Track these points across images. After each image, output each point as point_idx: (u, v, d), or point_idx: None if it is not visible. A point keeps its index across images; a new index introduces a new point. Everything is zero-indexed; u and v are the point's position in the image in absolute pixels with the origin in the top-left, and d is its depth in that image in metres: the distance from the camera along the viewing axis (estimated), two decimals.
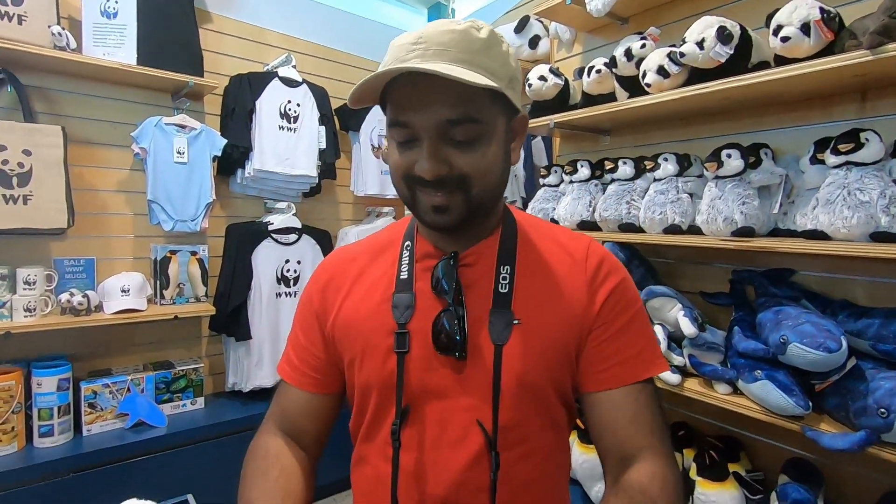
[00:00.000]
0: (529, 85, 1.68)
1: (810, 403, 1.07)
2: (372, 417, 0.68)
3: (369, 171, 2.54)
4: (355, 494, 0.73)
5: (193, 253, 2.10)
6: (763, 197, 1.29)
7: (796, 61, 1.11)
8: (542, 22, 2.02)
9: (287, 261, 2.25)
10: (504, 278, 0.65)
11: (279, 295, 2.24)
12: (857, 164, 1.08)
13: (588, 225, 1.61)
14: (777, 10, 1.13)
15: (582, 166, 1.67)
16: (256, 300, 2.17)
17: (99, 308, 1.88)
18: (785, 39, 1.09)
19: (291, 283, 2.27)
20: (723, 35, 1.20)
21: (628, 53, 1.46)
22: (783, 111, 1.37)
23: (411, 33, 0.59)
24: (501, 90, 0.58)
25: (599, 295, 0.66)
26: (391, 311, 0.66)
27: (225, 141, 2.08)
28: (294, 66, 2.26)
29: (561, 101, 1.72)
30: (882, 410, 0.93)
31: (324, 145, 2.31)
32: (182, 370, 2.08)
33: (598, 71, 1.56)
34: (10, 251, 1.79)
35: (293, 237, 2.27)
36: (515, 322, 0.63)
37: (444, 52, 0.56)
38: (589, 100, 1.64)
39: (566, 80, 1.72)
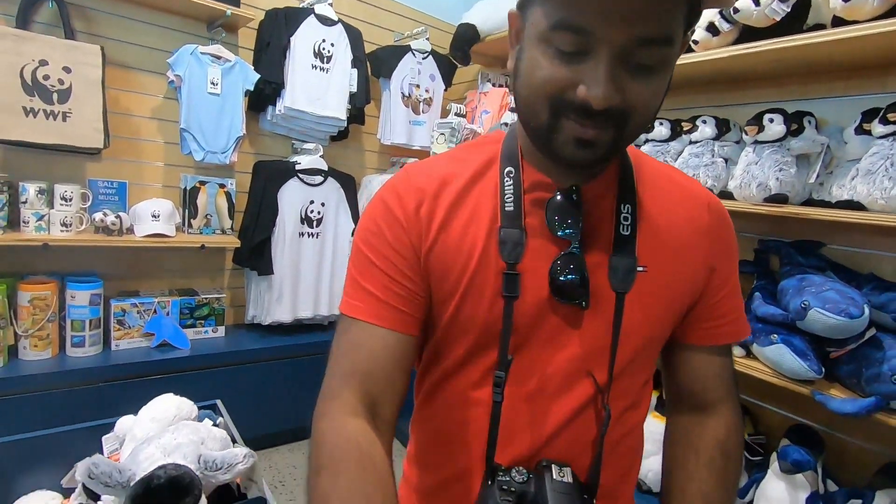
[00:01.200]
0: None
1: (823, 369, 1.09)
2: (458, 364, 0.60)
3: (398, 120, 2.53)
4: (419, 444, 0.68)
5: (222, 185, 2.13)
6: (801, 166, 1.27)
7: (856, 24, 1.07)
8: None
9: (312, 202, 2.28)
10: (626, 219, 0.57)
11: (302, 235, 2.29)
12: None
13: None
14: None
15: None
16: (280, 237, 2.21)
17: (130, 230, 1.93)
18: None
19: (315, 223, 2.31)
20: None
21: None
22: (834, 79, 1.33)
23: None
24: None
25: (718, 247, 0.61)
26: (497, 247, 0.56)
27: (258, 76, 2.08)
28: (331, 5, 2.22)
29: None
30: (895, 377, 0.94)
31: (355, 88, 2.30)
32: (206, 298, 2.15)
33: None
34: (48, 168, 1.84)
35: (319, 178, 2.30)
36: (640, 269, 0.56)
37: None
38: None
39: None
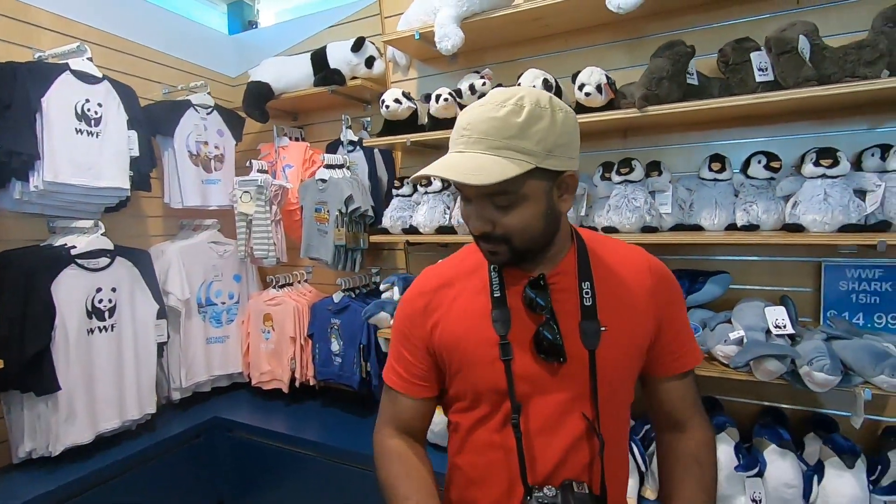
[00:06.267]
0: (386, 107, 1.86)
1: None
2: (482, 416, 0.80)
3: (188, 181, 2.29)
4: (460, 480, 0.86)
5: None
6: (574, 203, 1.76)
7: (593, 110, 1.59)
8: (374, 44, 2.18)
9: (99, 290, 1.88)
10: (587, 293, 0.77)
11: (91, 331, 1.86)
12: (631, 182, 1.61)
13: (446, 229, 1.87)
14: (579, 71, 1.58)
15: (435, 179, 1.93)
16: (61, 342, 1.75)
17: None
18: (588, 94, 1.55)
19: (106, 315, 1.91)
20: (547, 85, 1.61)
21: (472, 88, 1.77)
22: (584, 141, 1.87)
23: (463, 117, 0.71)
24: (529, 168, 0.67)
25: (661, 299, 0.80)
26: (492, 325, 0.77)
27: None
28: (90, 59, 1.88)
29: (411, 120, 1.94)
30: None
31: (136, 152, 2.00)
32: None
33: (445, 99, 1.82)
34: None
35: (104, 261, 1.91)
36: (603, 329, 0.76)
37: (482, 140, 0.68)
38: (435, 122, 1.90)
39: (416, 103, 1.94)
